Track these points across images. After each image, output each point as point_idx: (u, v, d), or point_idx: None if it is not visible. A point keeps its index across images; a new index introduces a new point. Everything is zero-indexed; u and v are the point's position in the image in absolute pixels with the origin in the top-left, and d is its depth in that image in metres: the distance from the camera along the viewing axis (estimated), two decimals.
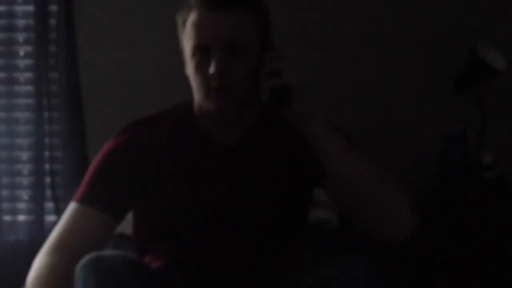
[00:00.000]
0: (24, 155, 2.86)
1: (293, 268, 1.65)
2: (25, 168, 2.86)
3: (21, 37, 2.85)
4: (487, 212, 2.54)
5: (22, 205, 2.86)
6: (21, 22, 2.84)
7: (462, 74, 2.72)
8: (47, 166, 2.81)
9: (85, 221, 1.59)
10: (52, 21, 2.78)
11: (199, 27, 1.55)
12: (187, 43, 1.58)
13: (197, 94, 1.61)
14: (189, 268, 1.62)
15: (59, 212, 2.80)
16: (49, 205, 2.83)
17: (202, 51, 1.55)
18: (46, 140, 2.80)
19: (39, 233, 2.78)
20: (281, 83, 1.52)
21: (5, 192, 2.84)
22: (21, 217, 2.86)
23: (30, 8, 2.81)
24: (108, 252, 1.46)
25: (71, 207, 1.62)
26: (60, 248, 1.56)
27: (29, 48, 2.84)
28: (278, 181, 1.66)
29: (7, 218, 2.84)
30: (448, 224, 2.54)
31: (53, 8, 2.77)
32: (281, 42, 1.77)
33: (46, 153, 2.81)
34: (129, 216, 1.71)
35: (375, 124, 2.84)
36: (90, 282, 1.40)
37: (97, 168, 1.64)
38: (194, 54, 1.57)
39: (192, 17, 1.56)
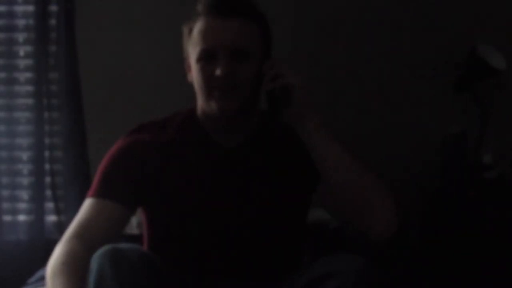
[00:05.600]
0: (24, 155, 2.86)
1: (292, 268, 1.69)
2: (25, 168, 2.86)
3: (21, 37, 2.85)
4: (487, 212, 2.54)
5: (22, 205, 2.86)
6: (21, 22, 2.84)
7: (462, 74, 2.72)
8: (47, 166, 2.81)
9: (101, 212, 1.64)
10: (52, 21, 2.78)
11: (206, 33, 1.62)
12: (193, 49, 1.65)
13: (200, 97, 1.68)
14: (190, 265, 1.67)
15: (59, 212, 2.81)
16: (49, 205, 2.83)
17: (208, 56, 1.62)
18: (46, 140, 2.80)
19: (39, 233, 2.78)
20: (282, 83, 1.60)
21: (5, 192, 2.84)
22: (21, 217, 2.86)
23: (30, 8, 2.81)
24: (123, 245, 1.50)
25: (86, 202, 1.67)
26: (78, 236, 1.61)
27: (29, 48, 2.84)
28: (278, 183, 1.71)
29: (7, 218, 2.84)
30: (448, 224, 2.54)
31: (53, 8, 2.78)
32: (279, 42, 1.79)
33: (46, 153, 2.81)
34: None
35: (375, 124, 2.84)
36: (106, 272, 1.44)
37: (108, 165, 1.70)
38: (200, 59, 1.63)
39: (199, 25, 1.63)
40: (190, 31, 1.65)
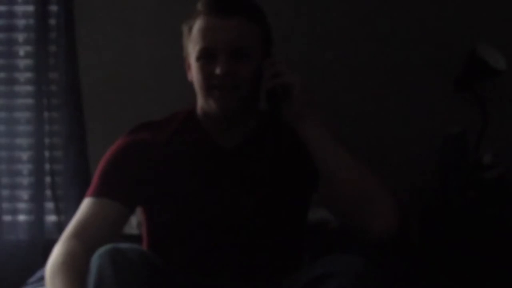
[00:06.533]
0: (24, 155, 2.86)
1: (292, 268, 1.68)
2: (25, 168, 2.86)
3: (21, 37, 2.85)
4: (487, 212, 2.54)
5: (22, 205, 2.86)
6: (21, 22, 2.84)
7: (462, 74, 2.72)
8: (47, 166, 2.81)
9: (100, 211, 1.64)
10: (52, 21, 2.78)
11: (206, 31, 1.62)
12: (193, 48, 1.65)
13: (200, 96, 1.68)
14: (189, 265, 1.66)
15: (59, 212, 2.81)
16: (49, 205, 2.83)
17: (208, 54, 1.62)
18: (46, 140, 2.80)
19: (39, 233, 2.78)
20: (281, 82, 1.60)
21: (5, 192, 2.84)
22: (21, 217, 2.86)
23: (30, 8, 2.81)
24: (123, 245, 1.50)
25: (85, 202, 1.67)
26: (77, 235, 1.60)
27: (29, 48, 2.84)
28: (278, 182, 1.71)
29: (7, 218, 2.84)
30: (448, 224, 2.54)
31: (53, 8, 2.77)
32: (279, 42, 1.79)
33: (46, 153, 2.81)
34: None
35: (375, 124, 2.84)
36: (106, 271, 1.43)
37: (107, 164, 1.70)
38: (200, 57, 1.64)
39: (199, 23, 1.64)
40: (190, 29, 1.65)
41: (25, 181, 2.86)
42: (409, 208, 2.63)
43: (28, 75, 2.84)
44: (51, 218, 2.85)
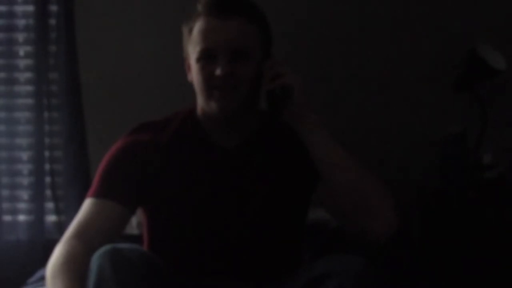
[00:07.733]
0: (24, 155, 2.86)
1: (292, 268, 1.69)
2: (25, 168, 2.86)
3: (21, 37, 2.85)
4: (487, 212, 2.54)
5: (22, 205, 2.86)
6: (21, 22, 2.84)
7: (462, 74, 2.72)
8: (47, 166, 2.81)
9: (101, 212, 1.64)
10: (52, 21, 2.78)
11: (206, 32, 1.62)
12: (193, 49, 1.65)
13: (200, 96, 1.68)
14: (190, 265, 1.67)
15: (59, 212, 2.81)
16: (49, 205, 2.83)
17: (208, 55, 1.63)
18: (46, 140, 2.80)
19: (39, 233, 2.78)
20: (282, 84, 1.61)
21: (5, 192, 2.84)
22: (21, 217, 2.86)
23: (30, 8, 2.81)
24: (123, 245, 1.50)
25: (86, 202, 1.67)
26: (78, 236, 1.61)
27: (29, 48, 2.84)
28: (277, 182, 1.71)
29: (7, 218, 2.85)
30: (448, 224, 2.54)
31: (53, 8, 2.78)
32: (278, 41, 1.79)
33: (46, 153, 2.81)
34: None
35: (375, 124, 2.84)
36: (105, 272, 1.44)
37: (108, 165, 1.70)
38: (200, 58, 1.64)
39: (199, 24, 1.64)
40: (190, 31, 1.66)
41: (25, 181, 2.86)
42: (409, 208, 2.63)
43: (28, 75, 2.84)
44: (51, 218, 2.85)
